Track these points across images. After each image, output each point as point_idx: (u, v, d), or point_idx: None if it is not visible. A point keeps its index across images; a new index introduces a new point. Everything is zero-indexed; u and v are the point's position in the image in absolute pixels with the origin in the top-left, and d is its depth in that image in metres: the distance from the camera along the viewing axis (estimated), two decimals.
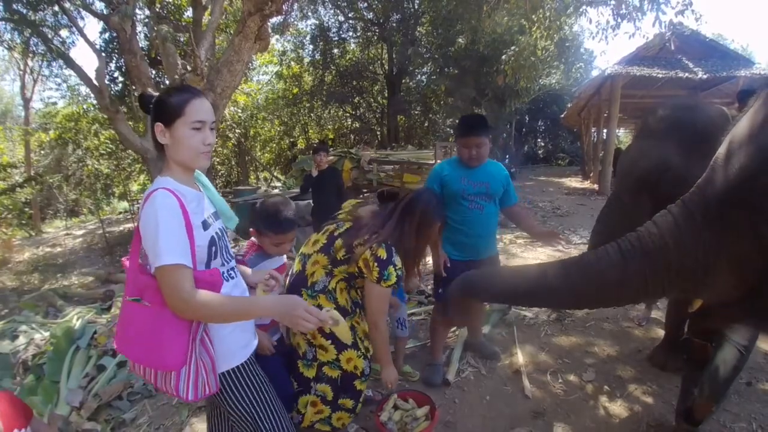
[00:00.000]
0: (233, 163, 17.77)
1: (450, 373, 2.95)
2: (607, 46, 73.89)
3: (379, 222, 2.16)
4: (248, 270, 1.84)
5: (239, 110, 15.10)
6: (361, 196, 9.51)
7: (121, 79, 10.77)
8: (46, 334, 3.80)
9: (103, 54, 8.77)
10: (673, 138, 2.02)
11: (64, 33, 9.46)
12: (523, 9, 7.66)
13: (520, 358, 3.17)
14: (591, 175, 14.83)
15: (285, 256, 2.34)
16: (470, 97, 14.89)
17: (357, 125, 20.45)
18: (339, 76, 18.26)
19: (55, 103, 15.44)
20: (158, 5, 9.69)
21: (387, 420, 2.29)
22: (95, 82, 5.99)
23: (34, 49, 9.77)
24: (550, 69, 16.78)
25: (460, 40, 15.05)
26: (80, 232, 13.99)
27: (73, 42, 10.51)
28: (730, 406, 2.58)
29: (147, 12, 9.39)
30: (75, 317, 4.08)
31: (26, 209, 14.64)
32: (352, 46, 18.96)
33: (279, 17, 7.81)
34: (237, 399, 1.55)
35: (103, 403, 2.94)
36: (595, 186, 12.82)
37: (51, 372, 3.25)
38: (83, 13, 8.32)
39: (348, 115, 20.24)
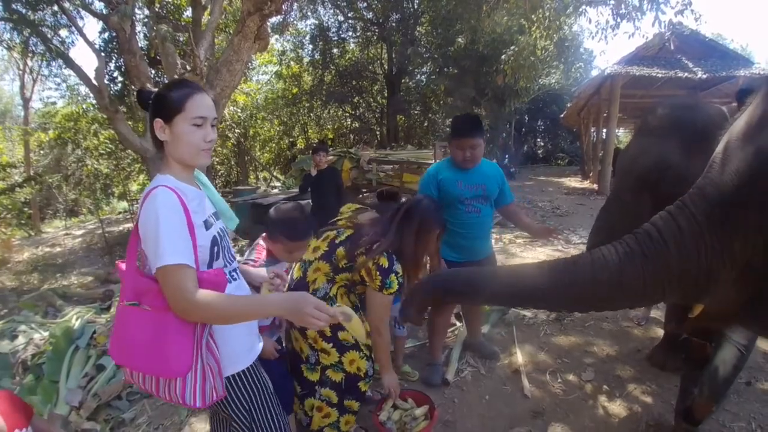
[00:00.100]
0: (233, 162, 17.76)
1: (449, 372, 2.95)
2: (606, 46, 73.86)
3: (380, 230, 2.17)
4: (251, 270, 1.82)
5: (239, 110, 15.10)
6: (361, 195, 9.52)
7: (120, 78, 10.77)
8: (46, 333, 3.79)
9: (103, 54, 8.76)
10: (673, 136, 2.01)
11: (63, 33, 9.44)
12: (522, 9, 7.65)
13: (519, 357, 3.17)
14: (590, 174, 14.82)
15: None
16: (470, 97, 14.87)
17: (356, 125, 20.44)
18: (338, 76, 18.25)
19: (54, 103, 15.45)
20: (157, 5, 9.69)
21: (386, 419, 2.29)
22: (94, 81, 5.99)
23: (34, 48, 9.75)
24: (549, 69, 16.79)
25: (459, 39, 15.04)
26: (80, 232, 13.98)
27: (73, 42, 10.49)
28: (729, 406, 2.58)
29: (146, 12, 9.40)
30: (74, 317, 4.07)
31: (26, 209, 14.65)
32: (352, 45, 18.95)
33: (278, 17, 7.81)
34: (238, 405, 1.51)
35: (102, 403, 2.94)
36: (595, 186, 12.81)
37: (50, 372, 3.25)
38: (82, 12, 8.31)
39: (347, 114, 20.23)
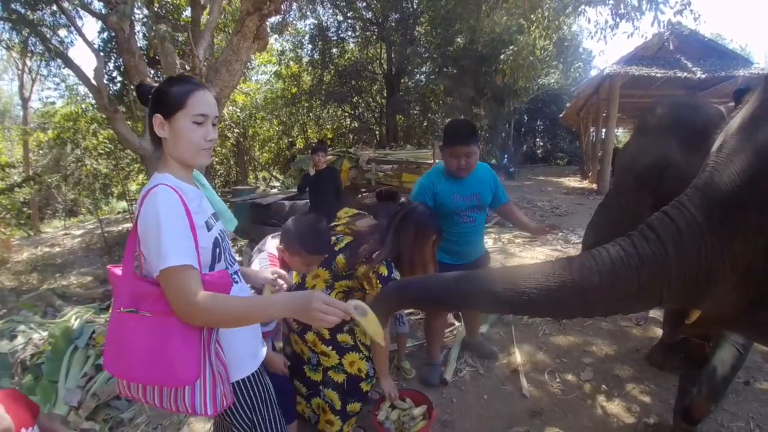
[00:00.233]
0: (232, 162, 17.74)
1: (447, 372, 2.96)
2: (605, 46, 73.77)
3: (379, 238, 2.18)
4: (252, 271, 1.80)
5: (238, 110, 15.07)
6: (360, 195, 9.52)
7: (119, 78, 10.75)
8: (45, 333, 3.79)
9: (102, 53, 8.75)
10: (673, 135, 2.00)
11: (62, 32, 9.41)
12: (521, 9, 7.65)
13: (517, 357, 3.17)
14: (590, 174, 14.83)
15: None
16: (469, 97, 14.88)
17: (356, 125, 20.43)
18: (338, 76, 18.24)
19: (53, 103, 15.40)
20: (157, 5, 9.67)
21: (384, 419, 2.30)
22: (94, 81, 5.97)
23: (33, 48, 9.73)
24: (548, 69, 16.82)
25: (458, 39, 15.03)
26: (79, 232, 13.96)
27: (72, 41, 10.49)
28: (728, 406, 2.58)
29: (145, 11, 9.38)
30: (73, 317, 4.06)
31: (25, 209, 14.62)
32: (351, 45, 18.93)
33: (277, 17, 7.81)
34: (240, 412, 1.47)
35: (101, 403, 2.94)
36: (594, 185, 12.82)
37: (49, 372, 3.24)
38: (81, 12, 8.27)
39: (347, 114, 20.22)
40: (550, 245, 6.19)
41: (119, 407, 2.94)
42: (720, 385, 2.16)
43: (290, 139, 20.14)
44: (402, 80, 18.45)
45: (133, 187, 14.27)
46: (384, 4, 16.50)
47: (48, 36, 8.05)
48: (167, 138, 1.31)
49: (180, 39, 8.40)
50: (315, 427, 2.31)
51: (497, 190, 2.87)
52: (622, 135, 20.01)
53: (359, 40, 18.53)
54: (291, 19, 14.58)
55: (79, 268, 9.15)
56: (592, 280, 1.15)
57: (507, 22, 11.52)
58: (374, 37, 18.12)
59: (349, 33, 18.43)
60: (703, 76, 10.62)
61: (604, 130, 13.35)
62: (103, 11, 6.55)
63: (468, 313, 3.24)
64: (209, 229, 1.34)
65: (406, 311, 3.29)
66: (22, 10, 7.22)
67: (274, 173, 17.85)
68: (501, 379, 2.97)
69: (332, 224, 2.41)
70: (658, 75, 10.86)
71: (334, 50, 18.07)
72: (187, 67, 6.08)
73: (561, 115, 19.32)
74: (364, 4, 17.30)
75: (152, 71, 8.90)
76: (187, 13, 9.98)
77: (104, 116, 7.67)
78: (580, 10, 7.24)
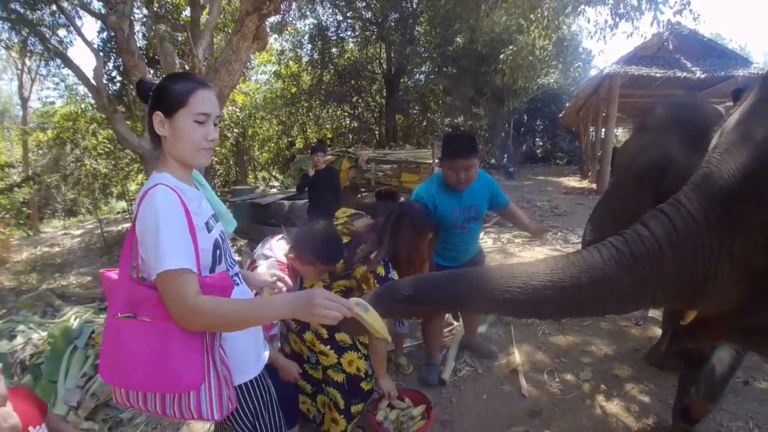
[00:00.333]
0: (231, 162, 17.74)
1: (445, 372, 2.96)
2: (605, 46, 74.12)
3: (376, 238, 2.18)
4: (251, 273, 1.77)
5: (237, 110, 15.08)
6: (359, 195, 9.52)
7: (119, 78, 10.74)
8: (44, 333, 3.78)
9: (101, 53, 8.75)
10: (673, 133, 1.99)
11: (61, 32, 9.42)
12: (521, 8, 7.65)
13: (517, 357, 3.18)
14: (589, 174, 14.84)
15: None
16: (468, 97, 14.89)
17: (355, 124, 20.44)
18: (337, 76, 18.24)
19: (52, 103, 15.41)
20: (156, 4, 9.67)
21: (383, 419, 2.30)
22: (93, 81, 5.97)
23: (32, 48, 9.74)
24: (548, 68, 16.87)
25: (458, 39, 15.05)
26: (78, 232, 13.94)
27: (71, 41, 10.50)
28: (727, 405, 2.58)
29: (145, 11, 9.37)
30: (73, 317, 4.06)
31: (24, 209, 14.59)
32: (351, 45, 18.93)
33: (277, 16, 7.81)
34: (243, 416, 1.45)
35: (100, 403, 2.94)
36: (593, 185, 12.82)
37: (48, 372, 3.24)
38: (81, 12, 8.27)
39: (346, 114, 20.22)
40: (549, 245, 6.19)
41: (118, 407, 2.93)
42: (718, 384, 2.16)
43: (290, 139, 20.15)
44: (401, 80, 18.46)
45: (132, 186, 14.27)
46: (383, 3, 16.50)
47: (47, 36, 8.05)
48: (167, 136, 1.28)
49: (179, 39, 8.40)
50: (319, 427, 2.32)
51: (495, 196, 2.86)
52: (621, 135, 20.00)
53: (359, 39, 18.53)
54: (290, 19, 14.60)
55: (79, 268, 9.14)
56: (581, 279, 1.11)
57: (506, 22, 11.55)
58: (374, 37, 18.13)
59: (349, 33, 18.44)
60: (703, 75, 10.62)
61: (603, 129, 13.36)
62: (103, 11, 6.54)
63: (467, 313, 3.25)
64: (209, 230, 1.31)
65: None
66: (22, 10, 7.22)
67: (273, 173, 17.84)
68: (500, 378, 2.97)
69: (326, 216, 2.42)
70: (658, 75, 10.86)
71: (334, 50, 18.07)
72: (187, 67, 6.08)
73: (560, 115, 19.33)
74: (364, 3, 17.30)
75: (151, 71, 8.89)
76: (187, 12, 9.98)
77: (103, 116, 7.67)
78: (579, 9, 7.24)
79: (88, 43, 6.91)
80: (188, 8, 9.49)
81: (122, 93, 10.26)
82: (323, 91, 17.85)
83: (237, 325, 1.26)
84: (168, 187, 1.21)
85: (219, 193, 2.29)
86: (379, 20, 17.29)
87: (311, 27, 17.72)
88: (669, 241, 1.08)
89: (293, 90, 18.34)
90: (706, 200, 1.08)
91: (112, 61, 10.66)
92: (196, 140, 1.27)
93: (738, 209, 1.05)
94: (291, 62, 18.47)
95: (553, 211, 9.45)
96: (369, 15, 17.77)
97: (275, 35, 13.83)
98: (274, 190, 11.67)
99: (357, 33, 18.39)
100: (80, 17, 8.79)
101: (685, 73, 10.69)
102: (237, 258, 1.69)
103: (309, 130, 20.33)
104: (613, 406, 2.64)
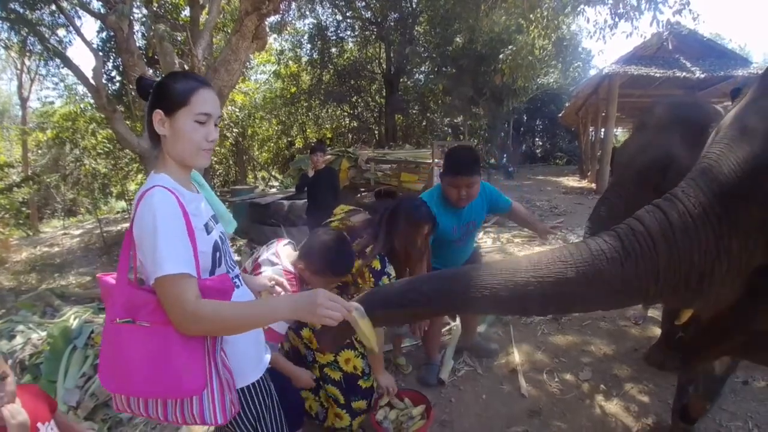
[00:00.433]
0: (231, 162, 17.74)
1: (444, 372, 2.96)
2: (604, 46, 73.95)
3: (372, 233, 2.18)
4: (249, 277, 1.76)
5: (237, 109, 15.07)
6: (359, 195, 9.52)
7: (118, 78, 10.75)
8: (43, 333, 3.78)
9: (101, 53, 8.74)
10: (676, 132, 1.99)
11: (61, 32, 9.43)
12: (520, 8, 7.65)
13: (516, 357, 3.17)
14: (588, 174, 14.84)
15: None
16: (468, 96, 14.90)
17: (355, 124, 20.47)
18: (337, 75, 18.27)
19: (52, 103, 15.44)
20: (155, 4, 9.66)
21: (383, 419, 2.30)
22: (92, 81, 5.96)
23: (31, 48, 9.75)
24: (547, 68, 16.88)
25: (458, 39, 15.05)
26: (78, 232, 13.93)
27: (70, 41, 10.55)
28: (726, 405, 2.59)
29: (144, 11, 9.37)
30: (72, 317, 4.06)
31: (24, 209, 14.59)
32: (350, 45, 18.96)
33: (276, 16, 7.81)
34: (245, 420, 1.43)
35: (99, 403, 2.94)
36: (593, 185, 12.82)
37: (48, 372, 3.24)
38: (80, 12, 8.28)
39: (346, 114, 20.25)
40: (548, 244, 6.18)
41: None
42: (716, 384, 2.15)
43: (289, 139, 20.16)
44: (401, 80, 18.49)
45: (132, 186, 14.27)
46: (383, 3, 16.52)
47: (47, 35, 8.05)
48: (167, 136, 1.25)
49: (179, 38, 8.39)
50: (323, 424, 2.31)
51: (495, 202, 2.81)
52: (621, 134, 20.01)
53: (358, 39, 18.56)
54: (290, 19, 14.60)
55: (78, 268, 9.13)
56: (567, 274, 1.07)
57: (506, 22, 11.54)
58: (373, 37, 18.15)
59: (348, 32, 18.47)
60: (702, 75, 10.62)
61: (603, 129, 13.37)
62: (102, 11, 6.55)
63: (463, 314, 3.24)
64: (208, 232, 1.29)
65: None
66: (21, 10, 7.22)
67: (273, 173, 17.85)
68: (499, 378, 2.97)
69: (327, 221, 2.41)
70: (657, 75, 10.86)
71: (333, 50, 18.10)
72: (186, 67, 6.07)
73: (560, 115, 19.33)
74: (363, 3, 17.32)
75: (151, 71, 8.89)
76: (186, 12, 9.99)
77: (103, 116, 7.67)
78: (579, 9, 7.24)
79: (88, 43, 6.90)
80: (187, 8, 9.50)
81: (121, 93, 10.27)
82: (323, 90, 17.88)
83: (238, 329, 1.24)
84: (165, 188, 1.19)
85: (218, 193, 2.29)
86: (379, 20, 17.31)
87: (311, 27, 17.79)
88: (664, 237, 1.05)
89: (293, 90, 18.36)
90: (704, 196, 1.06)
91: (111, 60, 10.67)
92: (196, 141, 1.24)
93: (738, 206, 1.02)
94: (290, 62, 18.51)
95: (552, 210, 9.46)
96: (368, 15, 17.81)
97: (275, 35, 13.83)
98: (273, 190, 11.67)
99: (356, 33, 18.42)
100: (79, 17, 8.81)
101: (684, 73, 10.69)
102: (236, 258, 1.68)
103: (308, 130, 20.35)
104: (613, 406, 2.64)
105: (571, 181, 15.28)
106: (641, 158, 2.06)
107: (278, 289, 1.70)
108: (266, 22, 6.30)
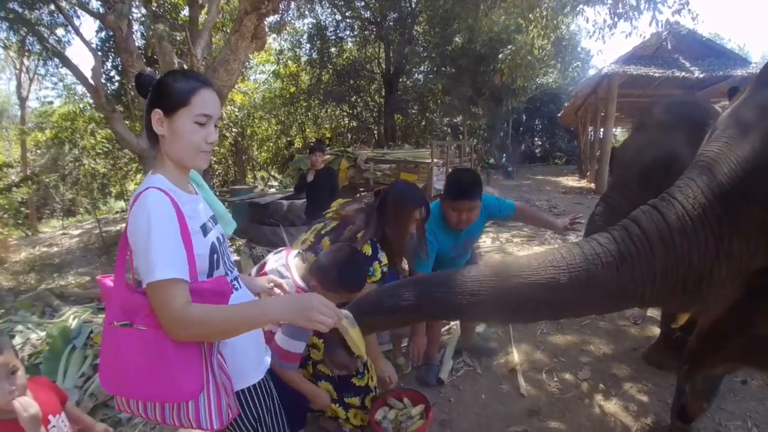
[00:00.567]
0: (230, 162, 17.74)
1: (443, 372, 2.96)
2: (604, 46, 74.08)
3: (364, 219, 2.18)
4: (248, 279, 1.74)
5: (236, 109, 15.07)
6: (358, 195, 9.52)
7: (117, 78, 10.74)
8: (43, 333, 3.78)
9: (100, 53, 8.73)
10: (678, 130, 1.98)
11: (60, 32, 9.40)
12: (520, 8, 7.65)
13: (515, 356, 3.18)
14: (588, 174, 14.88)
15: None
16: (467, 96, 14.89)
17: (354, 124, 20.47)
18: (336, 75, 18.25)
19: (51, 103, 15.42)
20: (155, 4, 9.66)
21: (382, 419, 2.30)
22: (91, 81, 5.96)
23: (30, 48, 9.75)
24: (547, 68, 16.89)
25: (457, 39, 15.04)
26: (77, 232, 13.90)
27: (69, 41, 10.51)
28: (725, 404, 2.59)
29: (143, 11, 9.35)
30: (71, 317, 4.06)
31: (23, 209, 14.56)
32: (350, 45, 18.95)
33: (276, 16, 7.81)
34: (245, 422, 1.41)
35: (99, 403, 2.94)
36: (592, 185, 12.86)
37: (47, 372, 3.24)
38: (79, 11, 8.27)
39: (345, 114, 20.24)
40: (548, 244, 6.19)
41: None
42: (713, 383, 2.15)
43: (288, 139, 20.16)
44: (400, 79, 18.48)
45: (131, 186, 14.27)
46: (382, 3, 16.50)
47: (45, 35, 8.05)
48: (165, 136, 1.22)
49: (178, 38, 8.38)
50: (322, 416, 2.32)
51: (495, 212, 2.75)
52: (620, 134, 20.05)
53: (357, 39, 18.55)
54: (289, 19, 14.57)
55: (77, 268, 9.12)
56: (560, 279, 1.04)
57: (505, 22, 11.55)
58: (372, 37, 18.14)
59: (348, 32, 18.46)
60: (701, 75, 10.64)
61: (602, 129, 13.39)
62: (101, 10, 6.55)
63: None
64: (206, 233, 1.26)
65: None
66: (20, 10, 7.21)
67: (272, 173, 17.83)
68: (499, 378, 2.97)
69: (322, 213, 2.42)
70: (656, 74, 10.88)
71: (333, 49, 18.09)
72: (185, 67, 6.07)
73: (559, 115, 19.37)
74: (363, 3, 17.31)
75: (150, 71, 8.89)
76: (185, 12, 9.98)
77: (102, 116, 7.68)
78: (578, 9, 7.25)
79: (87, 43, 6.90)
80: (187, 7, 9.50)
81: (121, 92, 10.26)
82: (322, 90, 17.87)
83: (231, 332, 1.21)
84: (160, 190, 1.16)
85: (218, 193, 2.29)
86: (378, 20, 17.30)
87: (310, 26, 17.79)
88: (661, 240, 1.02)
89: (292, 89, 18.36)
90: (703, 196, 1.02)
91: (110, 60, 10.66)
92: (195, 142, 1.21)
93: (740, 207, 1.00)
94: (290, 62, 18.51)
95: (551, 210, 9.46)
96: (368, 14, 17.79)
97: (274, 35, 13.85)
98: (272, 190, 11.67)
99: (356, 32, 18.41)
100: (78, 17, 8.80)
101: (683, 73, 10.71)
102: (236, 258, 1.67)
103: (308, 130, 20.35)
104: (612, 406, 2.64)
105: (570, 181, 15.30)
106: (643, 157, 2.05)
107: (277, 291, 1.69)
108: (265, 22, 6.30)
